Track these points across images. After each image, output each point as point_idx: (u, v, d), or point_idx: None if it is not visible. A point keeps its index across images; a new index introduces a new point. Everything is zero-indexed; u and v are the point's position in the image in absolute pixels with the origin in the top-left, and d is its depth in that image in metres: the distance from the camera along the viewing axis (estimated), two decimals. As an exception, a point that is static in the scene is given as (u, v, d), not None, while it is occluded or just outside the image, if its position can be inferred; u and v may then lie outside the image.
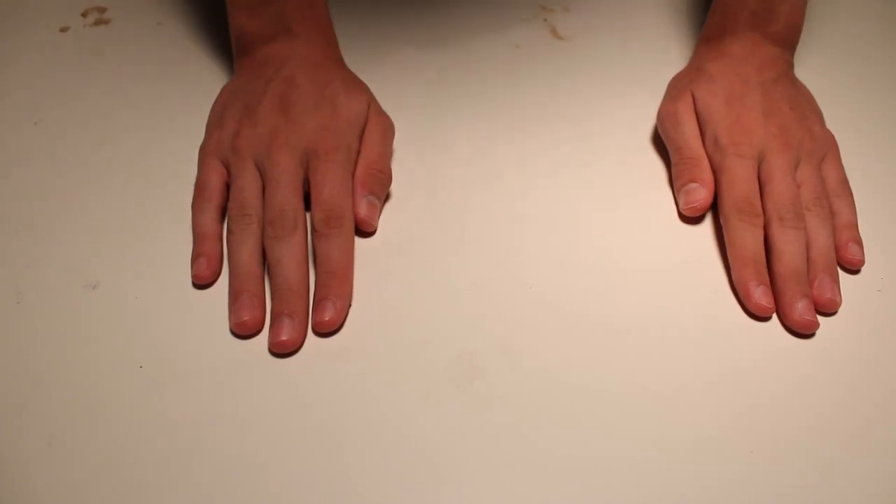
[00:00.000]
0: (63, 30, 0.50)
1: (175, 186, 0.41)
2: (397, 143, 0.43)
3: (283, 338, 0.34)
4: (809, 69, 0.46)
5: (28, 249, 0.38)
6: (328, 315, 0.35)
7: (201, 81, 0.47)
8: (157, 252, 0.38)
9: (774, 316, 0.37)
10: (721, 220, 0.39)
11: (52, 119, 0.45)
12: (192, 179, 0.40)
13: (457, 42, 0.50)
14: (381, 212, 0.40)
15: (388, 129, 0.42)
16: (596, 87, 0.48)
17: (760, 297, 0.36)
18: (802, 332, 0.36)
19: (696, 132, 0.42)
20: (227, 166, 0.40)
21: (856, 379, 0.35)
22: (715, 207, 0.40)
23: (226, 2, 0.43)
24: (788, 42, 0.45)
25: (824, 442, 0.33)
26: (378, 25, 0.50)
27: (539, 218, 0.40)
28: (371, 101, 0.42)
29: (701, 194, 0.40)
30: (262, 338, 0.35)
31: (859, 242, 0.39)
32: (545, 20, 0.52)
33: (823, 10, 0.53)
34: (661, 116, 0.44)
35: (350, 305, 0.36)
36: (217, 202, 0.39)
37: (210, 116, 0.43)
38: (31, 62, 0.48)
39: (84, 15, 0.51)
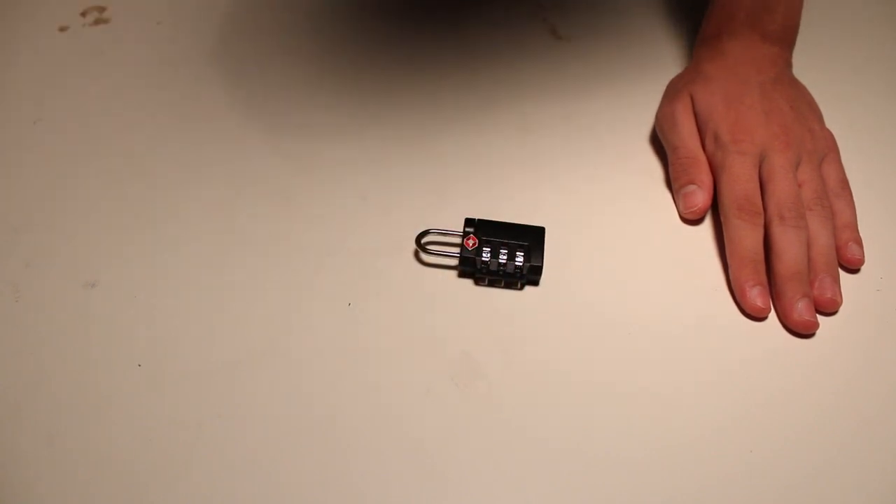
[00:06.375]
0: (62, 29, 0.50)
1: (174, 186, 0.41)
2: (396, 144, 0.43)
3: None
4: (809, 69, 0.46)
5: (27, 248, 0.38)
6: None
7: (201, 81, 0.47)
8: (156, 251, 0.38)
9: (774, 316, 0.37)
10: (721, 218, 0.39)
11: (51, 118, 0.45)
12: (190, 179, 0.40)
13: (456, 42, 0.50)
14: None
15: None
16: (595, 87, 0.48)
17: (755, 297, 0.36)
18: (802, 332, 0.36)
19: (694, 133, 0.42)
20: None
21: (855, 379, 0.35)
22: (715, 206, 0.40)
23: None
24: (786, 41, 0.45)
25: (824, 441, 0.33)
26: (377, 26, 0.50)
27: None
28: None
29: (699, 197, 0.40)
30: (262, 337, 0.35)
31: (859, 242, 0.39)
32: (545, 20, 0.52)
33: (822, 10, 0.53)
34: (658, 118, 0.44)
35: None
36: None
37: None
38: (31, 62, 0.48)
39: (83, 14, 0.51)
